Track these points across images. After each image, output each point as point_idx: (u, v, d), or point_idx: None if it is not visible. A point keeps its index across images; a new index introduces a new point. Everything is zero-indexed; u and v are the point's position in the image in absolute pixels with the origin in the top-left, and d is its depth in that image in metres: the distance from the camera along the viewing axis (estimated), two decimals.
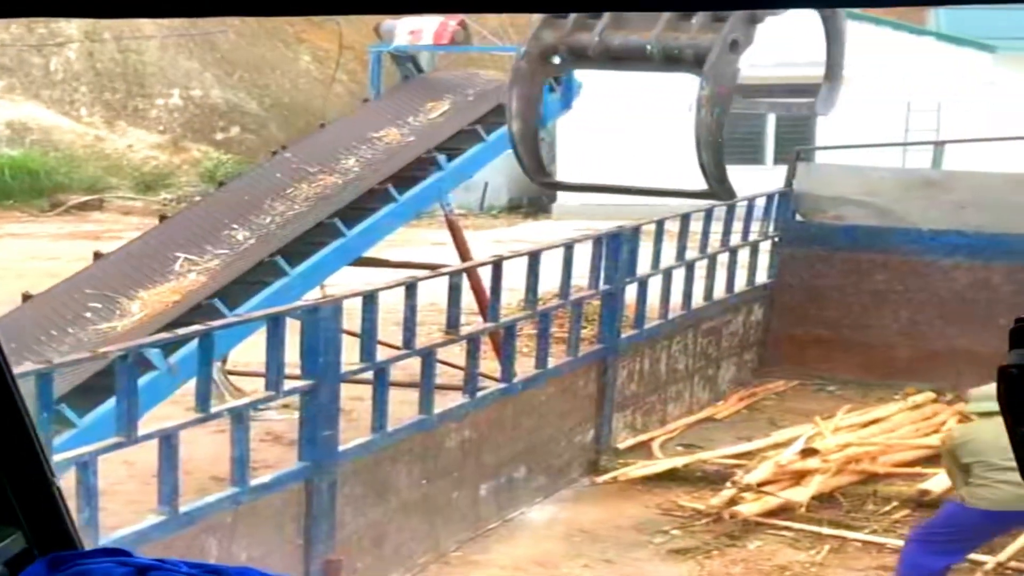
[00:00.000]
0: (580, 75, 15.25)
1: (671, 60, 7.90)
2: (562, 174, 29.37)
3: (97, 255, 12.02)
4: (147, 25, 32.63)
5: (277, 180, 12.95)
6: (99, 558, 2.04)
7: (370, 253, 12.86)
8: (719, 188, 8.19)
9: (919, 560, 8.89)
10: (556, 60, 8.03)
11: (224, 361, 12.42)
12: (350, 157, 13.38)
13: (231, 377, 13.04)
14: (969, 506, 8.61)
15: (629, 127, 27.82)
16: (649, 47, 7.86)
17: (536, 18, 8.14)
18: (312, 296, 11.22)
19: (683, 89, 29.07)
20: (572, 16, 7.95)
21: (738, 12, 7.60)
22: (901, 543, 9.87)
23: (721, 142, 8.00)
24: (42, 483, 2.34)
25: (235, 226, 12.09)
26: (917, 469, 11.44)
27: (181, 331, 8.87)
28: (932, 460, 11.36)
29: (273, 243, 11.65)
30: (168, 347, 9.35)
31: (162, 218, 13.39)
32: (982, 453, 8.32)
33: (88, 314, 10.60)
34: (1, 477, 2.31)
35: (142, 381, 8.45)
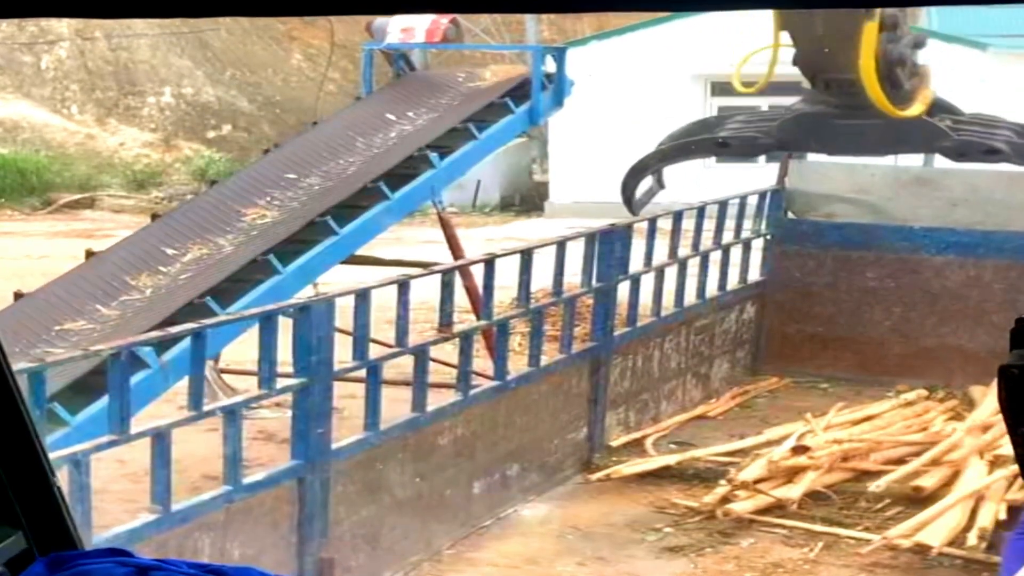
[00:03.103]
0: (572, 74, 15.26)
1: None
2: (554, 172, 29.43)
3: (89, 253, 12.01)
4: (138, 23, 32.61)
5: (269, 178, 12.94)
6: (100, 558, 2.04)
7: (362, 251, 12.86)
8: None
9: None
10: None
11: (217, 360, 12.41)
12: (343, 155, 13.38)
13: (224, 376, 13.03)
14: None
15: (621, 127, 27.82)
16: None
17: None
18: (305, 294, 11.22)
19: (673, 90, 29.03)
20: None
21: None
22: (886, 537, 9.89)
23: None
24: (42, 483, 2.34)
25: (227, 225, 12.09)
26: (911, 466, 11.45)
27: (174, 329, 8.86)
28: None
29: (266, 241, 11.64)
30: (161, 345, 9.34)
31: (154, 216, 13.39)
32: None
33: (81, 311, 10.59)
34: (1, 477, 2.31)
35: (134, 379, 8.44)
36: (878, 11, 8.77)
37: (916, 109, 9.23)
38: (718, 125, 10.46)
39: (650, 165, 10.43)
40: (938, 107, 9.96)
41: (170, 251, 11.61)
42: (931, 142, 10.13)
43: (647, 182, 11.56)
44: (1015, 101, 23.96)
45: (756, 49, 9.79)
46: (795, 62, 9.31)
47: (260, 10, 1.39)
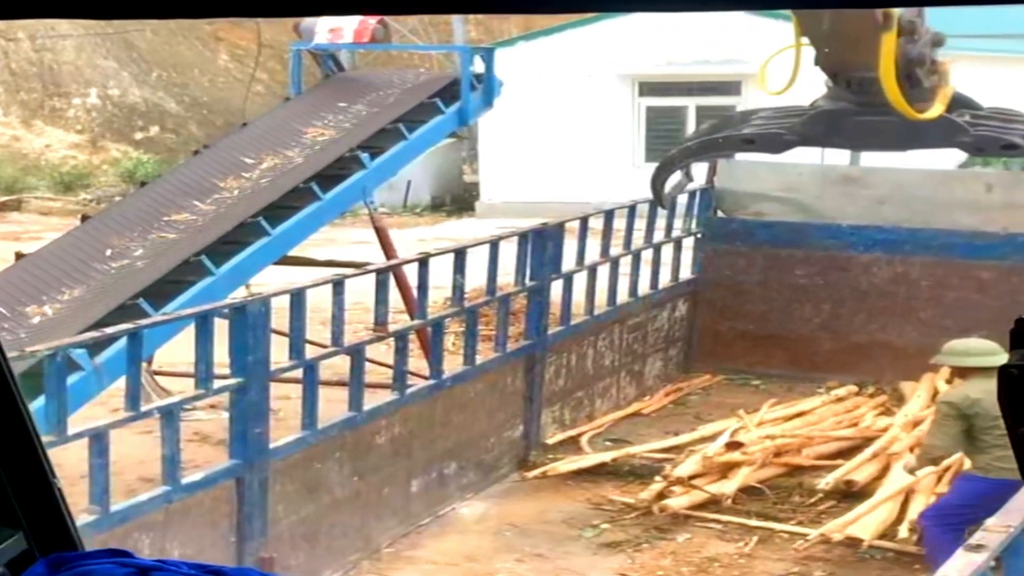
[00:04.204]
0: (501, 74, 15.31)
1: None
2: (485, 173, 29.46)
3: (19, 255, 11.91)
4: (62, 24, 32.30)
5: (199, 179, 12.89)
6: (100, 559, 2.05)
7: (295, 252, 12.84)
8: None
9: (941, 542, 8.56)
10: None
11: (150, 362, 12.34)
12: (272, 155, 13.34)
13: (157, 377, 12.95)
14: (994, 477, 8.28)
15: (550, 127, 27.91)
16: None
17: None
18: (238, 295, 11.18)
19: (601, 90, 29.16)
20: None
21: None
22: (820, 532, 10.02)
23: None
24: (43, 484, 2.34)
25: (157, 226, 12.03)
26: (840, 461, 11.58)
27: (109, 330, 8.82)
28: (854, 452, 11.54)
29: (197, 242, 11.60)
30: (94, 347, 9.29)
31: (84, 218, 13.29)
32: (997, 415, 8.07)
33: (9, 314, 10.50)
34: (1, 478, 2.31)
35: (68, 381, 8.39)
36: (896, 18, 8.90)
37: (936, 110, 9.40)
38: (743, 121, 10.62)
39: (677, 160, 10.58)
40: (956, 102, 10.11)
41: (101, 251, 11.53)
42: (950, 138, 10.32)
43: (676, 176, 11.72)
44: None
45: (778, 50, 9.93)
46: (816, 63, 9.50)
47: (261, 10, 1.41)
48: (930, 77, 9.72)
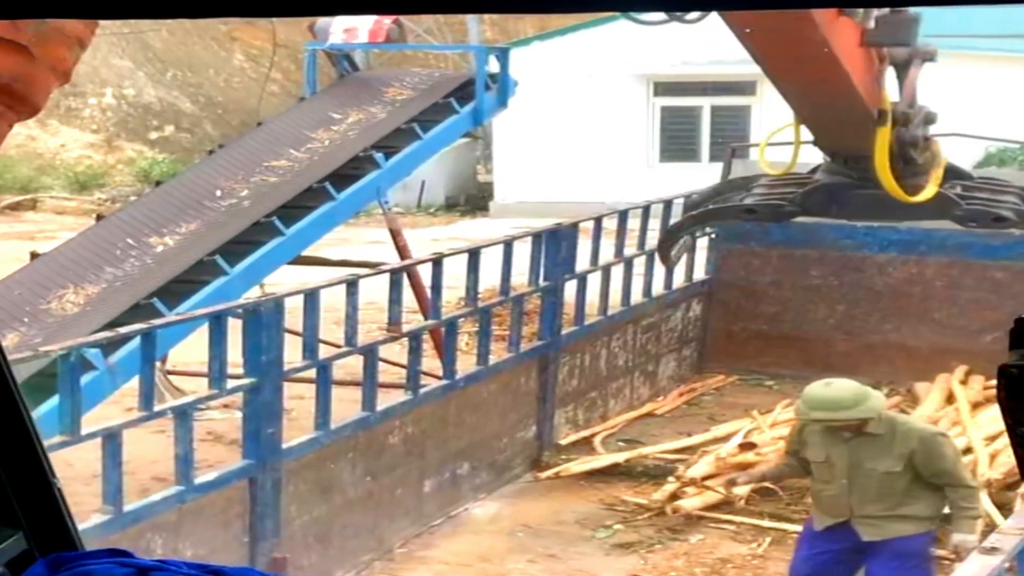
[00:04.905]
0: (516, 74, 15.30)
1: None
2: (499, 173, 29.45)
3: (34, 255, 11.93)
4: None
5: (214, 179, 12.90)
6: (100, 559, 2.05)
7: (309, 252, 12.84)
8: None
9: None
10: None
11: (163, 361, 12.36)
12: (287, 155, 13.35)
13: (171, 377, 12.97)
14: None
15: (565, 127, 27.89)
16: None
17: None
18: (252, 295, 11.20)
19: (616, 90, 29.12)
20: None
21: None
22: None
23: None
24: (42, 484, 2.34)
25: (173, 225, 12.04)
26: None
27: (124, 330, 8.83)
28: None
29: (212, 242, 11.61)
30: (108, 347, 9.30)
31: (99, 217, 13.31)
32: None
33: (25, 313, 10.52)
34: (1, 477, 2.31)
35: (82, 381, 8.40)
36: (890, 112, 9.10)
37: (929, 191, 9.63)
38: (745, 186, 10.91)
39: (685, 228, 10.88)
40: (948, 172, 10.34)
41: (116, 251, 11.55)
42: (943, 211, 10.64)
43: (682, 240, 12.06)
44: (955, 100, 24.19)
45: (777, 129, 10.17)
46: (815, 144, 9.78)
47: (261, 10, 1.41)
48: (923, 154, 9.91)
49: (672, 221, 14.25)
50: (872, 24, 8.01)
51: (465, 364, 11.60)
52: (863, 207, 10.57)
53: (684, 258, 14.49)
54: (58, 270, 11.26)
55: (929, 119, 9.66)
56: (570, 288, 12.60)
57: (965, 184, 10.41)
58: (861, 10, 7.87)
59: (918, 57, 9.10)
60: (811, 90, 8.96)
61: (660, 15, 9.34)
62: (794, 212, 10.75)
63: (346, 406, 10.27)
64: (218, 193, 12.57)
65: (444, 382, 11.07)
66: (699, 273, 14.99)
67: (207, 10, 1.48)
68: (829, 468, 7.73)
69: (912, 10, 9.29)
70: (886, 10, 8.27)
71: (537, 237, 12.16)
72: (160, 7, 1.53)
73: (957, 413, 12.03)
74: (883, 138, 9.09)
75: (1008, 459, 11.13)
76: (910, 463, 7.58)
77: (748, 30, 8.86)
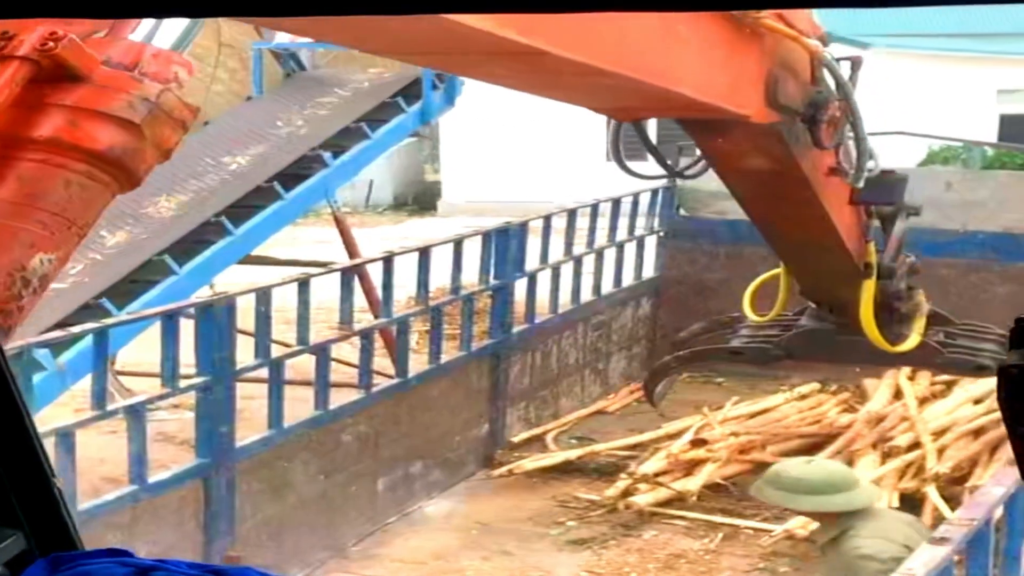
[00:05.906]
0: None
1: None
2: (447, 172, 29.45)
3: None
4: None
5: (163, 178, 12.82)
6: (100, 558, 2.05)
7: (258, 251, 12.80)
8: None
9: None
10: None
11: (113, 362, 12.28)
12: (235, 155, 13.31)
13: (120, 377, 12.89)
14: None
15: (512, 126, 27.90)
16: None
17: None
18: (202, 295, 11.16)
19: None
20: None
21: None
22: (785, 528, 10.08)
23: None
24: (42, 483, 2.34)
25: (121, 223, 11.97)
26: (804, 457, 11.62)
27: (75, 329, 8.78)
28: (818, 448, 11.59)
29: (160, 241, 11.56)
30: (57, 347, 9.24)
31: None
32: None
33: None
34: (1, 477, 2.30)
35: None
36: (876, 266, 9.34)
37: (912, 341, 9.84)
38: (730, 327, 11.12)
39: (672, 368, 11.08)
40: (931, 318, 10.61)
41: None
42: (925, 359, 10.89)
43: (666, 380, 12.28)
44: (898, 99, 24.43)
45: (763, 277, 10.38)
46: (801, 293, 10.02)
47: (262, 10, 1.41)
48: (907, 304, 10.15)
49: (626, 222, 14.29)
50: (862, 184, 8.21)
51: (417, 363, 11.60)
52: (847, 352, 10.84)
53: (633, 255, 14.57)
54: None
55: (913, 269, 9.90)
56: (520, 287, 12.61)
57: (947, 331, 10.68)
58: (851, 169, 8.02)
59: (904, 211, 9.37)
60: (801, 245, 9.16)
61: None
62: (779, 356, 11.04)
63: (298, 406, 10.25)
64: (164, 194, 12.50)
65: (396, 381, 11.07)
66: (648, 271, 15.04)
67: (207, 10, 1.49)
68: None
69: (900, 171, 9.57)
70: (877, 171, 8.43)
71: (487, 236, 12.17)
72: (160, 7, 1.53)
73: (905, 409, 12.13)
74: (868, 291, 9.33)
75: (956, 453, 11.25)
76: None
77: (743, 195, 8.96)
